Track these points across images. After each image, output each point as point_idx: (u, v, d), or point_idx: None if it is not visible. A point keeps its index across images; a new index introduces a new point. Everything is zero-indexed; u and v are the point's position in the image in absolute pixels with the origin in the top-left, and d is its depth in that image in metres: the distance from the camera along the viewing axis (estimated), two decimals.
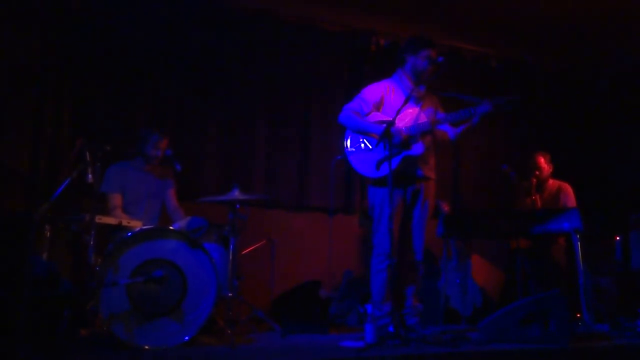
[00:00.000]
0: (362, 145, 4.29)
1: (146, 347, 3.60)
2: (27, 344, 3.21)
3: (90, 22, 5.37)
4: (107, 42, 5.41)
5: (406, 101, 4.04)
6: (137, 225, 4.14)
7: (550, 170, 5.70)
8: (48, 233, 4.02)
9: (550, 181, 5.71)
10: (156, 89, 5.60)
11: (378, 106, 4.33)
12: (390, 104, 4.29)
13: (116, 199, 4.71)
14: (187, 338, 3.74)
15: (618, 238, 5.42)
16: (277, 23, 6.12)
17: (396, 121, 4.12)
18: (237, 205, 4.41)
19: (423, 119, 4.25)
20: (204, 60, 5.80)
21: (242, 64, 5.96)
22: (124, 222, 4.14)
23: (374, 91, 4.36)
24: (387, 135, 3.93)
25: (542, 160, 5.66)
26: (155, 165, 4.89)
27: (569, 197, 5.62)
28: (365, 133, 4.27)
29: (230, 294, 4.24)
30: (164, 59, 5.63)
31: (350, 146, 4.35)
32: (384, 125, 4.00)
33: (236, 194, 4.36)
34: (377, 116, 4.28)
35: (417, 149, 4.21)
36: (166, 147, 4.79)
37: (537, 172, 5.61)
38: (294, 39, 6.20)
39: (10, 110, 5.06)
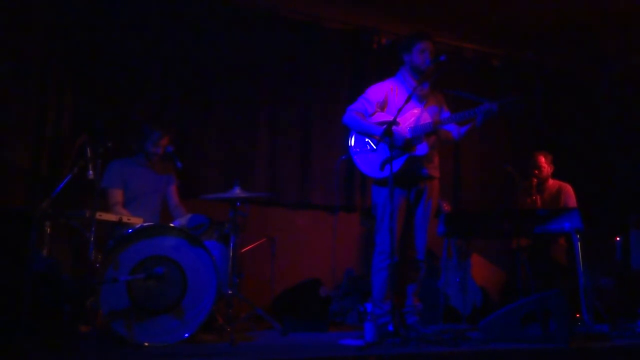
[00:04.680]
0: (367, 145, 4.29)
1: (146, 343, 3.60)
2: (28, 340, 3.21)
3: (92, 19, 5.36)
4: (109, 39, 5.40)
5: (407, 100, 4.03)
6: (137, 222, 4.14)
7: (551, 170, 5.69)
8: (48, 229, 4.01)
9: (551, 181, 5.71)
10: (158, 86, 5.60)
11: (382, 106, 4.32)
12: (394, 103, 4.28)
13: (117, 195, 4.70)
14: (187, 335, 3.74)
15: (618, 238, 5.42)
16: (279, 21, 6.12)
17: (400, 121, 4.12)
18: (238, 203, 4.41)
19: (426, 118, 4.25)
20: (206, 57, 5.80)
21: (244, 62, 5.95)
22: (125, 219, 4.13)
23: (378, 91, 4.35)
24: (387, 135, 3.92)
25: (542, 160, 5.66)
26: (157, 162, 4.89)
27: (570, 197, 5.62)
28: (367, 134, 4.26)
29: (230, 292, 4.23)
30: (166, 55, 5.63)
31: (355, 146, 4.35)
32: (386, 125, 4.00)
33: (237, 191, 4.36)
34: (381, 116, 4.27)
35: (421, 149, 4.20)
36: (167, 144, 4.79)
37: (537, 172, 5.61)
38: (296, 36, 6.20)
39: (12, 106, 5.05)
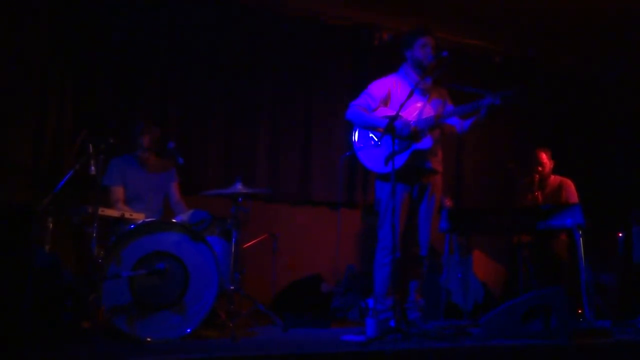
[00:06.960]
0: (371, 141, 4.28)
1: (148, 339, 3.62)
2: (30, 336, 3.22)
3: (94, 15, 5.36)
4: (110, 34, 5.40)
5: (410, 94, 4.03)
6: (139, 217, 4.14)
7: (552, 166, 5.69)
8: (51, 225, 4.01)
9: (552, 177, 5.70)
10: (160, 82, 5.60)
11: (385, 101, 4.32)
12: (397, 98, 4.27)
13: (118, 192, 4.71)
14: (188, 331, 3.75)
15: (620, 234, 5.42)
16: (280, 17, 6.11)
17: (403, 115, 4.12)
18: (240, 199, 4.41)
19: (429, 112, 4.24)
20: (207, 53, 5.80)
21: (245, 58, 5.95)
22: (127, 215, 4.14)
23: (381, 86, 4.35)
24: (390, 129, 3.92)
25: (543, 157, 5.65)
26: (158, 158, 4.89)
27: (571, 192, 5.61)
28: (372, 128, 4.26)
29: (232, 288, 4.24)
30: (167, 52, 5.63)
31: (358, 142, 4.35)
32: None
33: (239, 187, 4.37)
34: (384, 111, 4.27)
35: (426, 142, 4.20)
36: (155, 138, 4.79)
37: (539, 168, 5.60)
38: (297, 33, 6.19)
39: (13, 102, 5.06)
